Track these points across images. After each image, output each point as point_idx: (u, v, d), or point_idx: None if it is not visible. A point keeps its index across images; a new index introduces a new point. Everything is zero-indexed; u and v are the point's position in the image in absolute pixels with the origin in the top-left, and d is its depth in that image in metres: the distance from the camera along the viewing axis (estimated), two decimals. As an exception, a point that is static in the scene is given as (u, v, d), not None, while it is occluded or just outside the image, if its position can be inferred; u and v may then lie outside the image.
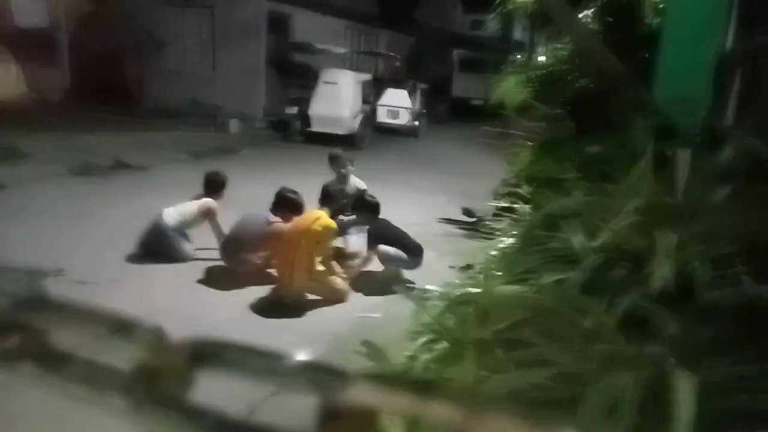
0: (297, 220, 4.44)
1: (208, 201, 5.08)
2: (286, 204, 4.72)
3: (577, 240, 1.33)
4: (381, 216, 4.99)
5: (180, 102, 13.39)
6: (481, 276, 1.63)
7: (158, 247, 4.91)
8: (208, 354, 0.51)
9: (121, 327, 0.46)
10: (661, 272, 1.21)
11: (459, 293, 1.52)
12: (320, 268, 4.37)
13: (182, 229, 5.03)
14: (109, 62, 12.80)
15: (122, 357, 0.45)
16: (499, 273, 1.50)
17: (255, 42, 13.71)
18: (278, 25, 14.22)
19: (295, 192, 4.77)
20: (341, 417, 0.42)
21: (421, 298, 1.70)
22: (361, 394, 0.44)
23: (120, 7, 13.02)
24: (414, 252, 4.79)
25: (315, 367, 0.48)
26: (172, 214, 5.00)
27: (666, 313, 1.21)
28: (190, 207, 5.07)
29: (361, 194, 4.95)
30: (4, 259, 4.49)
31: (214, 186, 5.15)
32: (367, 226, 4.91)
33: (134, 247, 4.96)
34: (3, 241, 5.04)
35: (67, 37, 13.56)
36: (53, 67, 12.83)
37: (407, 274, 4.81)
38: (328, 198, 4.80)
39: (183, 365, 0.45)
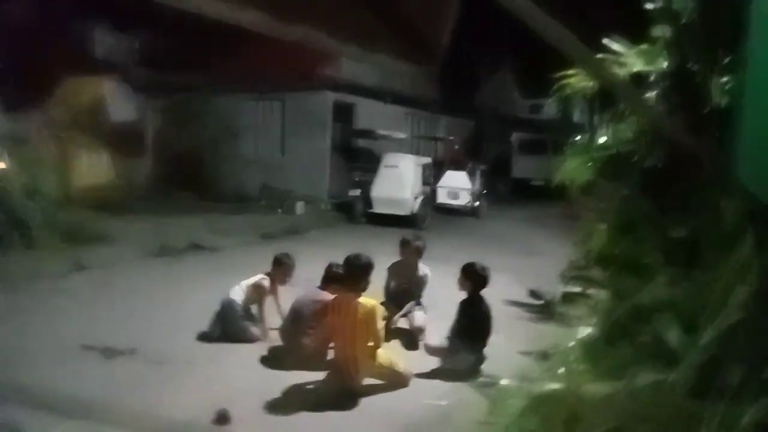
0: (342, 300, 4.27)
1: (260, 278, 5.16)
2: (333, 278, 4.72)
3: (674, 335, 1.22)
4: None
5: (251, 187, 14.15)
6: (561, 369, 1.51)
7: (227, 325, 5.00)
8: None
9: None
10: None
11: (539, 390, 1.41)
12: (382, 351, 4.27)
13: (246, 307, 5.12)
14: (189, 151, 13.83)
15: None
16: (583, 367, 1.39)
17: (321, 130, 14.49)
18: (343, 113, 15.03)
19: (339, 265, 4.62)
20: None
21: (494, 390, 1.61)
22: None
23: (200, 102, 14.20)
24: (478, 343, 4.59)
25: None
26: (237, 291, 5.12)
27: None
28: (247, 284, 5.17)
29: (470, 264, 4.80)
30: (82, 339, 4.71)
31: (282, 267, 5.26)
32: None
33: (207, 326, 5.07)
34: (81, 321, 5.31)
35: (153, 129, 14.84)
36: (139, 157, 13.96)
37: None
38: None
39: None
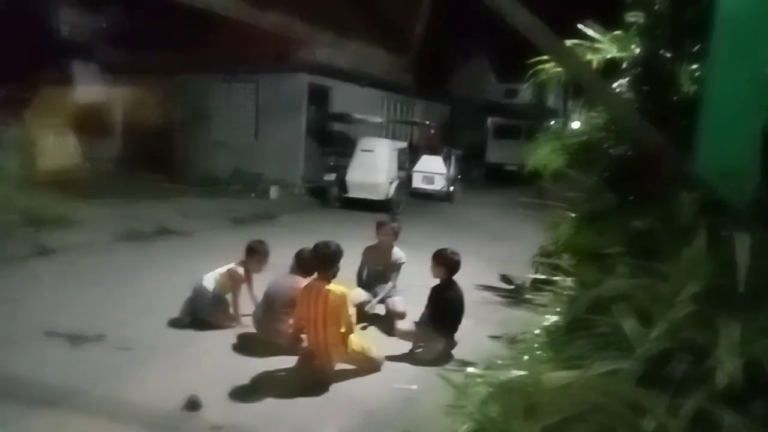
0: (313, 288, 4.26)
1: (234, 267, 5.11)
2: (303, 264, 4.70)
3: (629, 326, 1.25)
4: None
5: (223, 170, 13.94)
6: (525, 357, 1.55)
7: (198, 312, 4.96)
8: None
9: None
10: (727, 367, 1.12)
11: (504, 378, 1.44)
12: (354, 337, 4.29)
13: (218, 294, 5.07)
14: (159, 133, 13.53)
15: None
16: (546, 355, 1.42)
17: (296, 113, 14.31)
18: (318, 96, 14.86)
19: (309, 250, 4.55)
20: None
21: (461, 377, 1.63)
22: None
23: (170, 83, 13.88)
24: (449, 328, 4.63)
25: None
26: (210, 280, 5.07)
27: (735, 417, 1.10)
28: (221, 271, 5.13)
29: (442, 250, 4.81)
30: (46, 325, 4.61)
31: (255, 255, 5.20)
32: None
33: (178, 312, 5.01)
34: (45, 306, 5.19)
35: (121, 110, 14.46)
36: (107, 138, 13.61)
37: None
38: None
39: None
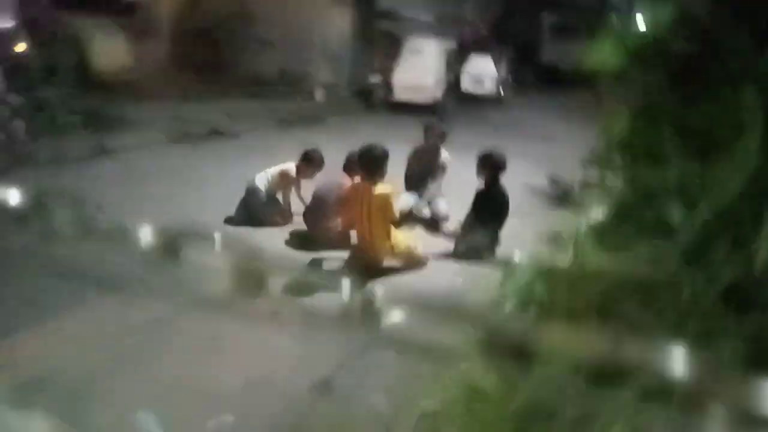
0: (360, 188, 4.40)
1: (286, 166, 5.22)
2: (352, 166, 4.77)
3: (675, 213, 1.27)
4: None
5: (269, 71, 13.82)
6: (572, 248, 1.59)
7: (252, 210, 5.17)
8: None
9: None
10: (765, 252, 1.13)
11: (548, 263, 1.50)
12: (400, 236, 4.43)
13: (271, 194, 5.24)
14: (204, 33, 13.38)
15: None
16: (590, 245, 1.46)
17: (341, 10, 13.79)
18: (364, -8, 14.21)
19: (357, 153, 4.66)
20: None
21: (507, 265, 1.70)
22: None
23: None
24: (493, 226, 4.68)
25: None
26: (263, 178, 5.23)
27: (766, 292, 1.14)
28: (273, 172, 5.25)
29: (487, 153, 4.80)
30: (106, 222, 4.91)
31: (311, 162, 5.25)
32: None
33: (233, 210, 5.23)
34: (111, 202, 5.51)
35: (166, 10, 14.28)
36: (153, 38, 13.58)
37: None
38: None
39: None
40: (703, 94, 2.07)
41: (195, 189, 6.05)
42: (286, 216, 5.23)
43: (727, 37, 1.85)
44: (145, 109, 9.33)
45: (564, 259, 1.54)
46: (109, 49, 10.80)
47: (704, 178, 1.35)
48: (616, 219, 1.57)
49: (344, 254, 4.50)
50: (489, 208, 4.70)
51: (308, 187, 5.23)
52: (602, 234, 1.51)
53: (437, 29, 16.70)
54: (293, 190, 5.34)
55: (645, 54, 3.08)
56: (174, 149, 7.87)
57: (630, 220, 1.43)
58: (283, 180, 5.22)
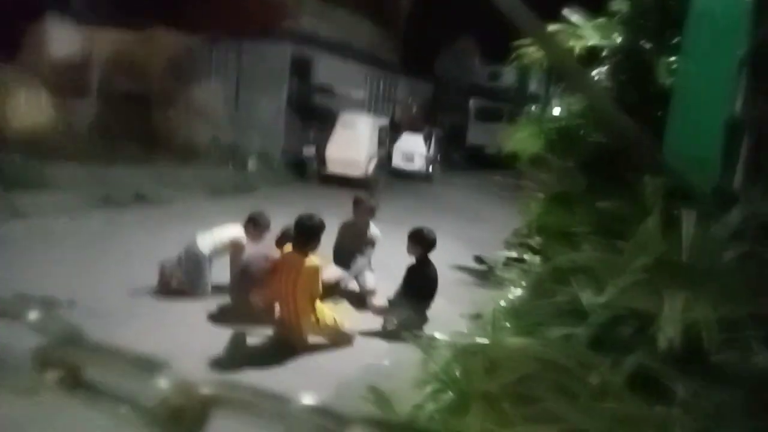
0: (289, 259, 4.32)
1: (238, 234, 5.01)
2: (286, 239, 4.70)
3: (585, 295, 1.35)
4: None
5: (201, 138, 13.71)
6: (490, 327, 1.63)
7: (189, 276, 4.89)
8: (223, 396, 0.53)
9: (148, 366, 0.50)
10: (668, 331, 1.22)
11: (467, 343, 1.52)
12: (326, 311, 4.34)
13: (213, 259, 4.99)
14: (136, 96, 13.20)
15: (147, 394, 0.48)
16: (508, 324, 1.50)
17: (278, 84, 14.11)
18: (301, 67, 14.66)
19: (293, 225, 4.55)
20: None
21: (428, 345, 1.70)
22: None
23: (150, 46, 13.51)
24: (421, 304, 4.71)
25: (321, 412, 0.51)
26: (206, 243, 4.98)
27: (674, 374, 1.21)
28: (223, 235, 5.02)
29: (418, 230, 4.86)
30: (16, 289, 4.55)
31: (256, 226, 5.07)
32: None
33: (154, 278, 4.96)
34: (16, 270, 5.11)
35: (98, 70, 14.03)
36: (82, 98, 13.23)
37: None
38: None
39: (201, 405, 0.48)
40: (611, 181, 2.26)
41: (114, 257, 5.74)
42: (207, 287, 5.00)
43: (627, 129, 2.05)
44: (67, 170, 8.92)
45: (482, 340, 1.57)
46: (31, 107, 10.40)
47: (610, 261, 1.45)
48: (531, 298, 1.64)
49: (268, 330, 4.34)
50: (420, 284, 4.74)
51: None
52: (518, 314, 1.56)
53: (371, 106, 17.41)
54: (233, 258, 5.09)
55: (559, 139, 3.34)
56: (96, 214, 7.50)
57: (544, 300, 1.50)
58: (234, 248, 5.00)
